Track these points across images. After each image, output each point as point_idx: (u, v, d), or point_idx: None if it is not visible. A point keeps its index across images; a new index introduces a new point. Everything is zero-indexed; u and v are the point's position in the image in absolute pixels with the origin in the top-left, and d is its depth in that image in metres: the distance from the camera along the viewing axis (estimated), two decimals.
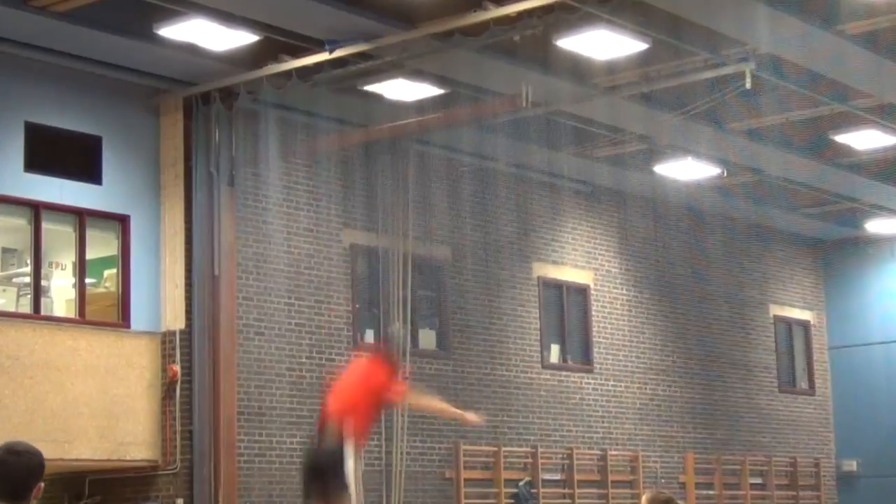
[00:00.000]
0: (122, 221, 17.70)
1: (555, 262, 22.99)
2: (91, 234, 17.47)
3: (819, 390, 28.35)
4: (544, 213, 22.84)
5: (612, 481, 22.88)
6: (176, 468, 17.63)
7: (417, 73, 17.57)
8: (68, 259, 17.50)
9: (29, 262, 17.05)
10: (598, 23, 15.81)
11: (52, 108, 17.09)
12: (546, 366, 22.50)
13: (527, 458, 21.77)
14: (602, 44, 16.42)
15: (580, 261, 23.44)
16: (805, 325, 28.43)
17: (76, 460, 16.86)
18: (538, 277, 22.63)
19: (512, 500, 21.29)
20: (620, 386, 23.70)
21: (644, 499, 7.83)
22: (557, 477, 22.20)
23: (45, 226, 17.03)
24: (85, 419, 16.92)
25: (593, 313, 23.49)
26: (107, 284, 17.93)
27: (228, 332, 17.90)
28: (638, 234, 24.57)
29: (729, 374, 26.11)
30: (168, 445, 17.66)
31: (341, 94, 18.08)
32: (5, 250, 17.57)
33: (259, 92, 17.61)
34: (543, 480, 21.75)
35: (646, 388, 24.22)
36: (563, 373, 22.78)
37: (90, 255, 17.50)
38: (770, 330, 27.44)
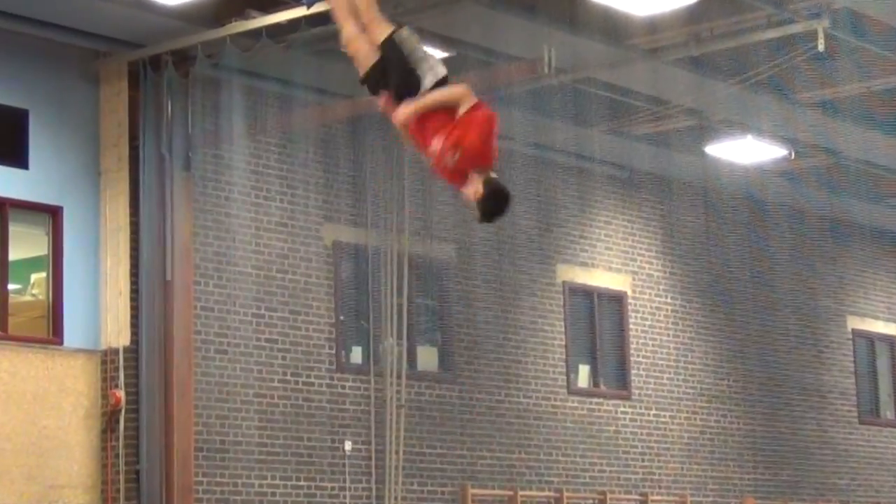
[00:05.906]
0: (53, 214, 17.70)
1: (584, 265, 22.97)
2: (15, 230, 17.47)
3: None
4: (571, 204, 22.83)
5: None
6: None
7: (416, 33, 17.49)
8: None
9: None
10: None
11: None
12: (573, 391, 22.49)
13: (549, 503, 21.75)
14: None
15: (615, 262, 23.42)
16: (891, 342, 28.44)
17: None
18: (563, 283, 22.61)
19: None
20: (664, 416, 23.69)
21: None
22: None
23: None
24: (7, 457, 16.91)
25: (631, 327, 23.47)
26: (34, 291, 17.93)
27: (183, 350, 17.90)
28: (686, 230, 24.56)
29: (797, 402, 26.11)
30: (109, 489, 17.67)
31: (322, 57, 18.03)
32: None
33: (221, 55, 17.60)
34: None
35: (695, 419, 24.20)
36: (594, 400, 22.77)
37: (14, 255, 17.50)
38: (848, 347, 27.44)
